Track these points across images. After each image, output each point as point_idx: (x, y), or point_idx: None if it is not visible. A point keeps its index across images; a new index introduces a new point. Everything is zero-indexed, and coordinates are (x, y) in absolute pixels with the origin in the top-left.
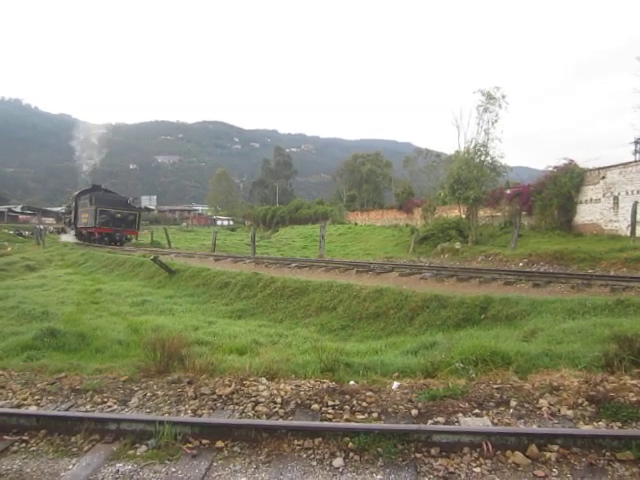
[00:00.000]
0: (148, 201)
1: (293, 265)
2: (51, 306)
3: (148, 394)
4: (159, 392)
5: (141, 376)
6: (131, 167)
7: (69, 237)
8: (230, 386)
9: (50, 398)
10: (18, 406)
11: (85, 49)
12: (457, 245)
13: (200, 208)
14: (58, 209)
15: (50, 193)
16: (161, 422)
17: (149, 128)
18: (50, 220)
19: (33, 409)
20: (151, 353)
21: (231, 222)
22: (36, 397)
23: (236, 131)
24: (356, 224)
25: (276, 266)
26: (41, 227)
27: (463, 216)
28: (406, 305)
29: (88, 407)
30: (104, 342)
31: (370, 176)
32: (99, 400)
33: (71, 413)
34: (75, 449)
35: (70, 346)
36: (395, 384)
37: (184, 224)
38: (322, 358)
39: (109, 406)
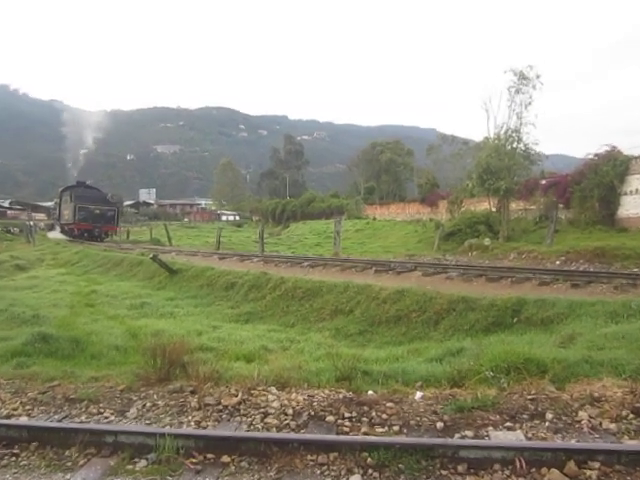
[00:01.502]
0: (147, 195)
1: (305, 264)
2: (43, 309)
3: (148, 404)
4: (160, 402)
5: (140, 385)
6: (128, 158)
7: (57, 233)
8: (237, 396)
9: (42, 408)
10: (8, 417)
11: (77, 30)
12: (486, 241)
13: (203, 202)
14: (49, 204)
15: (41, 186)
16: (162, 435)
17: (147, 115)
18: (41, 216)
19: (24, 420)
20: (151, 360)
21: (237, 217)
22: (27, 407)
23: (242, 117)
24: (375, 219)
25: (287, 265)
26: (31, 223)
27: (493, 209)
28: (430, 308)
29: (83, 418)
30: (100, 348)
31: (390, 166)
32: (95, 411)
33: (65, 424)
34: (69, 463)
35: (63, 352)
36: (418, 394)
37: (186, 220)
38: (337, 366)
39: (106, 417)
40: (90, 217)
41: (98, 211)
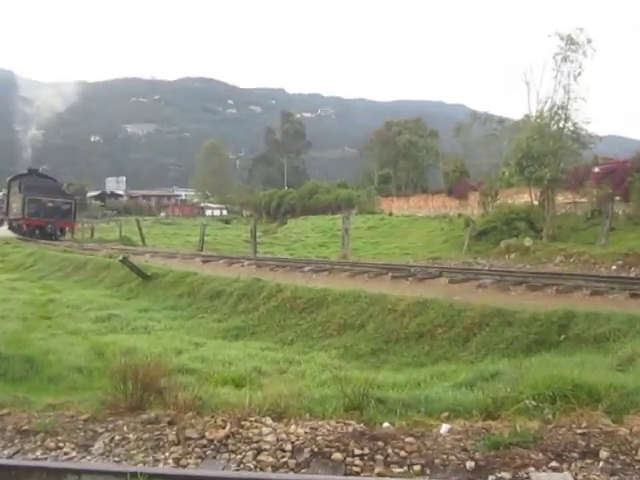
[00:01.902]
0: (115, 184)
1: (307, 269)
2: None
3: (116, 437)
4: (131, 435)
5: (107, 414)
6: (93, 139)
7: (5, 230)
8: (224, 428)
9: None
10: None
11: None
12: (527, 242)
13: (184, 193)
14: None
15: None
16: (134, 474)
17: (116, 88)
18: None
19: None
20: (120, 384)
21: (224, 212)
22: None
23: (230, 90)
24: (391, 214)
25: (284, 270)
26: None
27: (535, 203)
28: (458, 322)
29: (39, 454)
30: (59, 369)
31: (409, 150)
32: (53, 445)
33: (17, 461)
34: None
35: (14, 374)
36: (444, 427)
37: (162, 214)
38: (346, 392)
39: (66, 453)
40: (42, 211)
41: (51, 204)
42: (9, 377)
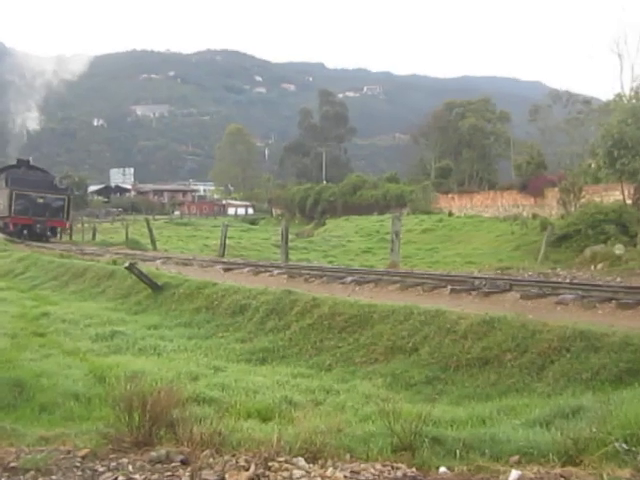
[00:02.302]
0: (121, 176)
1: (349, 279)
2: None
3: (120, 478)
4: (137, 476)
5: (109, 450)
6: (95, 123)
7: None
8: (248, 469)
9: None
10: None
11: None
12: (618, 249)
13: (202, 188)
14: None
15: None
16: None
17: (123, 62)
18: None
19: None
20: (125, 415)
21: (250, 210)
22: None
23: (259, 66)
24: (451, 214)
25: (321, 281)
26: None
27: (628, 202)
28: (532, 346)
29: None
30: (53, 396)
31: (474, 136)
32: None
33: None
34: None
35: (1, 401)
36: (513, 474)
37: (177, 213)
38: (395, 429)
39: None
40: (31, 208)
41: (41, 200)
42: None
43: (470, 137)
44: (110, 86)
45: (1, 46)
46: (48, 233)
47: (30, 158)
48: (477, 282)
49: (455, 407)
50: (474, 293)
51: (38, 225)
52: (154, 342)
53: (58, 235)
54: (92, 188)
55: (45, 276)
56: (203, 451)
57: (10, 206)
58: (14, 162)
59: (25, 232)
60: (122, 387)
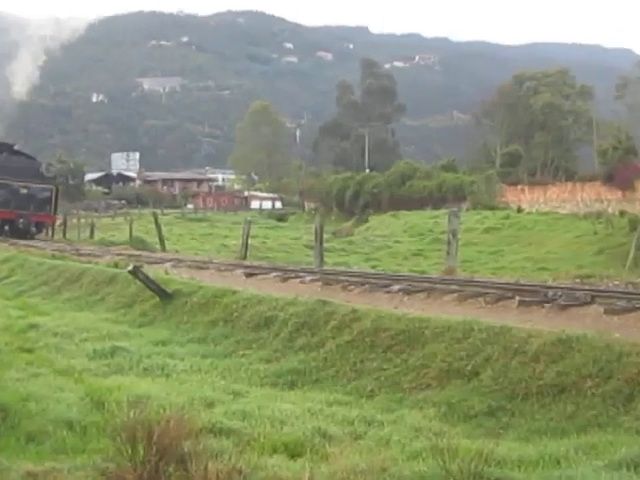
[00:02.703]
0: (124, 162)
1: (396, 288)
2: None
3: None
4: None
5: None
6: (95, 99)
7: None
8: None
9: None
10: None
11: None
12: None
13: (221, 177)
14: None
15: None
16: None
17: (128, 26)
18: None
19: None
20: (127, 447)
21: (278, 204)
22: None
23: (289, 30)
24: (520, 210)
25: (362, 289)
26: None
27: None
28: (618, 371)
29: None
30: (42, 423)
31: (549, 116)
32: None
33: None
34: None
35: None
36: None
37: (190, 206)
38: (450, 469)
39: None
40: (13, 200)
41: (25, 191)
42: None
43: (544, 117)
44: (112, 55)
45: None
46: (33, 229)
47: (15, 143)
48: (551, 293)
49: (523, 444)
50: (547, 306)
51: (21, 220)
52: (162, 361)
53: (48, 232)
54: (90, 176)
55: (34, 281)
56: None
57: None
58: None
59: (6, 228)
60: (124, 414)
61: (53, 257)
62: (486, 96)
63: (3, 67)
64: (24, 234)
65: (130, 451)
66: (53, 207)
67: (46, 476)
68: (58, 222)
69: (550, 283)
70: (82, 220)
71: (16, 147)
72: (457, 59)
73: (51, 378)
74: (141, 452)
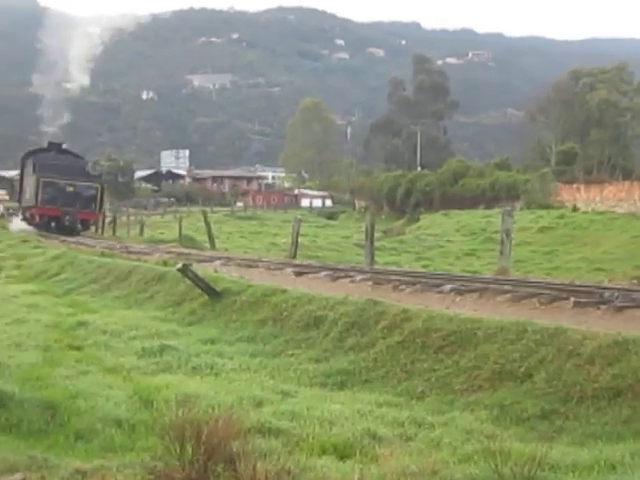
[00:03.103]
0: (174, 160)
1: (447, 288)
2: None
3: None
4: None
5: None
6: (145, 96)
7: (21, 222)
8: None
9: None
10: None
11: None
12: None
13: (270, 174)
14: (13, 174)
15: (1, 144)
16: None
17: (178, 23)
18: (1, 193)
19: None
20: (176, 446)
21: (328, 202)
22: None
23: (340, 26)
24: (575, 209)
25: (414, 289)
26: None
27: None
28: None
29: None
30: (91, 421)
31: (606, 113)
32: None
33: None
34: None
35: (31, 426)
36: None
37: (240, 204)
38: (502, 473)
39: None
40: (59, 198)
41: (71, 189)
42: (24, 429)
43: (600, 114)
44: (162, 52)
45: (34, 4)
46: (78, 226)
47: (63, 143)
48: (607, 294)
49: (578, 448)
50: (603, 307)
51: (67, 217)
52: (210, 359)
53: (98, 229)
54: (139, 174)
55: (83, 278)
56: None
57: (37, 195)
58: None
59: (53, 224)
60: (172, 413)
61: (102, 255)
62: (541, 93)
63: (52, 65)
64: (70, 231)
65: (178, 450)
66: (98, 205)
67: (94, 473)
68: (108, 220)
69: (606, 284)
70: (131, 218)
71: (64, 146)
72: (511, 55)
73: (100, 376)
74: (189, 451)
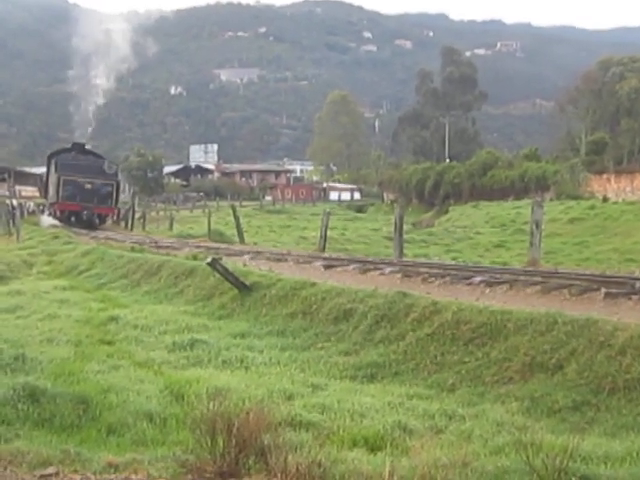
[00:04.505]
0: (202, 155)
1: (477, 280)
2: (31, 347)
3: None
4: None
5: None
6: (173, 92)
7: (52, 219)
8: None
9: None
10: None
11: None
12: None
13: (299, 168)
14: (43, 171)
15: (32, 142)
16: None
17: (205, 18)
18: (30, 190)
19: None
20: (207, 439)
21: (357, 195)
22: None
23: (368, 19)
24: (606, 199)
25: (443, 281)
26: (13, 203)
27: None
28: None
29: None
30: (122, 415)
31: (636, 102)
32: None
33: None
34: None
35: (64, 420)
36: None
37: (268, 198)
38: (534, 464)
39: None
40: (78, 194)
41: (89, 186)
42: (57, 424)
43: (631, 103)
44: (189, 47)
45: (64, 2)
46: (96, 220)
47: (89, 143)
48: (639, 284)
49: (610, 439)
50: (635, 298)
51: (85, 212)
52: (241, 353)
53: (127, 224)
54: (168, 169)
55: (114, 273)
56: None
57: (58, 192)
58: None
59: (72, 219)
60: (204, 407)
61: (132, 250)
62: (570, 83)
63: (84, 62)
64: (88, 224)
65: (210, 443)
66: (114, 200)
67: (127, 467)
68: (137, 215)
69: (637, 275)
70: (161, 213)
71: (88, 147)
72: (540, 45)
73: (131, 370)
74: (221, 444)
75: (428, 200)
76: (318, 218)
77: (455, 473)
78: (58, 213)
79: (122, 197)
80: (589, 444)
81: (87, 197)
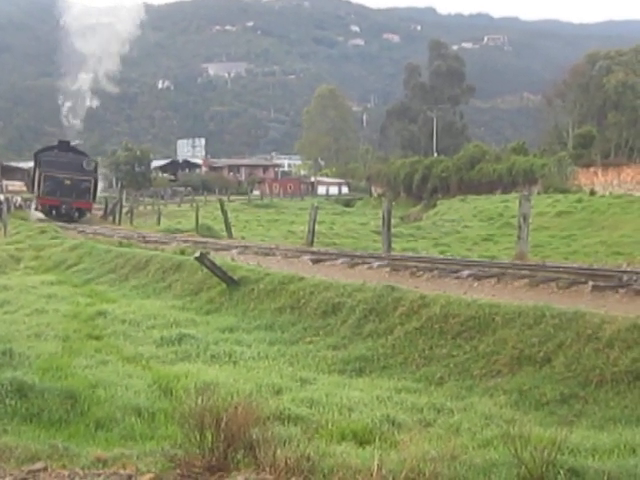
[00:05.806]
0: (190, 149)
1: (465, 274)
2: (18, 341)
3: None
4: None
5: (177, 475)
6: (160, 86)
7: (35, 212)
8: None
9: None
10: None
11: None
12: None
13: (287, 162)
14: (31, 165)
15: (19, 136)
16: None
17: (192, 12)
18: (18, 185)
19: None
20: (195, 434)
21: (345, 189)
22: None
23: (355, 12)
24: (593, 193)
25: (431, 275)
26: (0, 198)
27: None
28: None
29: None
30: (111, 410)
31: (623, 96)
32: None
33: None
34: None
35: (52, 415)
36: None
37: (256, 193)
38: (523, 457)
39: None
40: (58, 189)
41: (68, 182)
42: (45, 419)
43: (618, 97)
44: (177, 41)
45: None
46: (75, 214)
47: (75, 141)
48: (626, 277)
49: (597, 432)
50: (622, 291)
51: (64, 206)
52: (229, 348)
53: (115, 219)
54: (156, 163)
55: (101, 268)
56: (289, 479)
57: (40, 187)
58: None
59: (53, 212)
60: (192, 401)
61: (120, 244)
62: (557, 76)
63: (71, 56)
64: (68, 218)
65: (198, 438)
66: (92, 195)
67: (115, 462)
68: (125, 209)
69: (625, 268)
70: (148, 207)
71: (73, 144)
72: (527, 39)
73: (119, 365)
74: (209, 439)
75: (416, 194)
76: (306, 212)
77: (444, 466)
78: (40, 206)
79: (110, 193)
80: (577, 437)
81: (66, 192)
